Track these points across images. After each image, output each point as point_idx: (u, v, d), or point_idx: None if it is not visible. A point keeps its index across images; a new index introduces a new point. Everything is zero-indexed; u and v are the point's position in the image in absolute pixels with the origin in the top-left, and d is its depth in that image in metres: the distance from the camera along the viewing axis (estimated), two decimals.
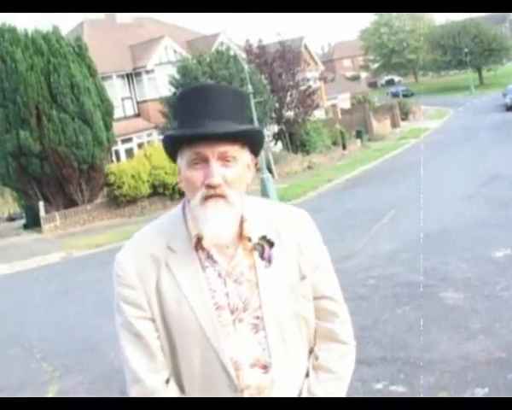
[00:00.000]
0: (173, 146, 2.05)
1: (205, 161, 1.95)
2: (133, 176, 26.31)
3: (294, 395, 2.08)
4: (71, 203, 26.31)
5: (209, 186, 1.94)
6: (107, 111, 27.32)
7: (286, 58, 39.47)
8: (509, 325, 7.11)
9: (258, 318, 2.02)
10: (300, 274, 2.09)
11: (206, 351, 1.98)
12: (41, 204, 25.66)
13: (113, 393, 6.83)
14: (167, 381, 2.03)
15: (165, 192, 27.39)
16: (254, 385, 2.00)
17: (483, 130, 38.79)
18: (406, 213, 15.99)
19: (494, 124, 41.72)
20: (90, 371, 8.07)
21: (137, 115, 38.25)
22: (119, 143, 32.90)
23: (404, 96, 76.25)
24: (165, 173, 26.94)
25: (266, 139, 32.51)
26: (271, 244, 2.07)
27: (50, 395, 7.38)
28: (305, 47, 51.85)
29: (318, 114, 45.12)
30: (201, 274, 2.01)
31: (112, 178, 26.48)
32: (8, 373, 8.56)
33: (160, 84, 37.10)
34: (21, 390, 7.67)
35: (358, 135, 44.23)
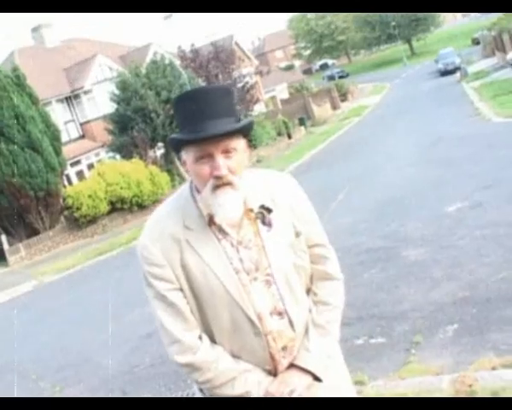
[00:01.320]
0: (178, 146, 2.43)
1: (210, 156, 2.31)
2: (90, 196, 26.35)
3: (304, 328, 2.55)
4: (33, 232, 26.28)
5: (217, 177, 2.31)
6: (55, 136, 27.34)
7: (220, 58, 39.85)
8: (468, 269, 7.69)
9: (268, 275, 2.43)
10: (295, 231, 2.50)
11: (233, 308, 2.38)
12: (3, 237, 25.62)
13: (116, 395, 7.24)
14: (200, 337, 2.42)
15: (124, 207, 27.49)
16: (275, 330, 2.44)
17: (421, 97, 39.75)
18: (360, 187, 16.59)
19: (430, 90, 42.84)
20: (89, 380, 8.26)
21: (82, 137, 38.24)
22: (68, 166, 32.83)
23: (340, 77, 77.40)
24: (121, 188, 27.06)
25: None
26: (270, 211, 2.47)
27: None
28: (237, 44, 52.25)
29: (259, 108, 45.59)
30: (218, 246, 2.40)
31: (70, 201, 26.49)
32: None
33: (100, 103, 37.18)
34: None
35: (301, 122, 44.75)
